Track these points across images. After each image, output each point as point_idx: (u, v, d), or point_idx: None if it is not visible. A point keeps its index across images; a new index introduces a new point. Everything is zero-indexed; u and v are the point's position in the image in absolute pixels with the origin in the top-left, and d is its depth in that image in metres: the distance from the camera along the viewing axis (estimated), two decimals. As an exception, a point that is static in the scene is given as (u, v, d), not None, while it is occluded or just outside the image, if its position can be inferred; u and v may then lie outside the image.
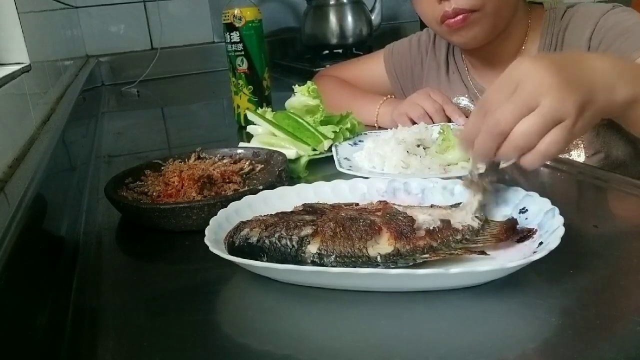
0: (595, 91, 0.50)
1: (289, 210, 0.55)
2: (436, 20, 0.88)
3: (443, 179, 0.61)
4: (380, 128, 0.97)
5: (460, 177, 0.61)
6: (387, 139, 0.76)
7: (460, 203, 0.57)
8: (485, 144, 0.50)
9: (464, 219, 0.50)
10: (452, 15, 0.85)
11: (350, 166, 0.74)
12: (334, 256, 0.46)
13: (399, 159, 0.72)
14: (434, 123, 0.87)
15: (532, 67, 0.49)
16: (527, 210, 0.53)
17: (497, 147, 0.50)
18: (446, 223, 0.49)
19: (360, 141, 0.86)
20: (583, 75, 0.51)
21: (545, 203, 0.52)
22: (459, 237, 0.49)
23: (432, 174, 0.68)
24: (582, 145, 0.89)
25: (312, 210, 0.54)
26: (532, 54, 0.92)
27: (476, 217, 0.50)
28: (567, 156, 0.89)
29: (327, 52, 1.88)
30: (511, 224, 0.50)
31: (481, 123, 0.50)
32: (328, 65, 1.42)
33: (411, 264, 0.46)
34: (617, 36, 0.81)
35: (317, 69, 1.49)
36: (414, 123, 0.89)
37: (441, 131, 0.75)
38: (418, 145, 0.75)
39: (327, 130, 0.85)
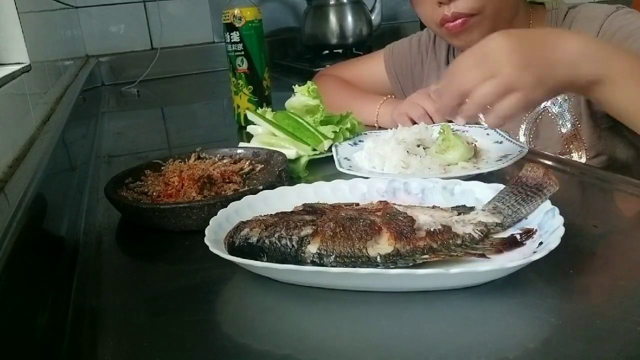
0: (555, 67, 0.57)
1: (289, 210, 0.55)
2: (436, 23, 0.88)
3: (443, 179, 0.61)
4: (380, 128, 0.97)
5: (459, 177, 0.61)
6: (387, 139, 0.76)
7: (462, 205, 0.57)
8: (451, 101, 0.59)
9: (465, 229, 0.50)
10: (451, 19, 0.85)
11: (350, 166, 0.74)
12: (333, 256, 0.46)
13: (399, 159, 0.72)
14: (434, 123, 0.87)
15: (501, 41, 0.56)
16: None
17: (459, 105, 0.58)
18: (447, 228, 0.49)
19: (360, 141, 0.86)
20: (546, 52, 0.57)
21: (545, 203, 0.52)
22: (459, 241, 0.49)
23: (432, 174, 0.68)
24: (584, 147, 0.89)
25: (312, 210, 0.54)
26: None
27: (477, 230, 0.50)
28: (568, 157, 0.89)
29: (327, 52, 1.88)
30: (513, 239, 0.50)
31: (457, 99, 0.58)
32: (328, 65, 1.42)
33: (411, 264, 0.46)
34: (623, 40, 0.81)
35: (317, 69, 1.49)
36: (414, 123, 0.89)
37: (441, 131, 0.75)
38: (418, 146, 0.75)
39: (327, 130, 0.85)
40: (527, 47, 0.57)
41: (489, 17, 0.85)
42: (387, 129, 0.89)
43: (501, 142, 0.78)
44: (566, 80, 0.59)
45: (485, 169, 0.68)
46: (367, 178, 0.65)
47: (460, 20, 0.84)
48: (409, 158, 0.72)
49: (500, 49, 0.57)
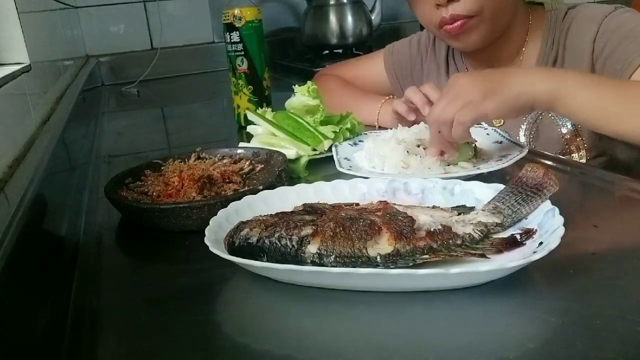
0: (512, 85, 0.66)
1: (289, 210, 0.55)
2: (434, 25, 0.88)
3: (443, 179, 0.61)
4: (380, 128, 0.97)
5: (459, 177, 0.61)
6: (387, 139, 0.76)
7: (462, 205, 0.57)
8: (433, 131, 0.69)
9: (465, 229, 0.50)
10: (449, 21, 0.85)
11: (350, 166, 0.74)
12: (333, 256, 0.46)
13: (399, 159, 0.72)
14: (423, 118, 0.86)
15: (463, 78, 0.69)
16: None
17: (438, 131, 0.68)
18: (447, 228, 0.49)
19: (360, 141, 0.85)
20: (497, 77, 0.68)
21: (545, 203, 0.52)
22: (459, 241, 0.49)
23: (432, 174, 0.68)
24: (584, 147, 0.89)
25: (312, 210, 0.54)
26: (533, 55, 0.92)
27: (477, 230, 0.50)
28: (569, 157, 0.89)
29: (327, 52, 1.88)
30: (513, 239, 0.50)
31: (435, 128, 0.68)
32: (328, 65, 1.42)
33: (411, 264, 0.46)
34: (622, 39, 0.81)
35: (317, 69, 1.49)
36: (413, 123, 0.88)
37: None
38: (418, 146, 0.75)
39: (327, 130, 0.85)
40: (479, 75, 0.69)
41: (488, 19, 0.85)
42: (387, 129, 0.89)
43: (501, 142, 0.78)
44: (523, 93, 0.67)
45: (485, 169, 0.68)
46: (367, 178, 0.65)
47: (459, 23, 0.85)
48: (409, 158, 0.72)
49: (461, 82, 0.68)
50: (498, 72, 0.70)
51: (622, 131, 0.68)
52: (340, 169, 0.73)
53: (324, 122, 0.87)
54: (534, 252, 0.45)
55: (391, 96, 1.02)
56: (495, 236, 0.51)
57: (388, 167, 0.72)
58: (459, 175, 0.67)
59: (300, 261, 0.47)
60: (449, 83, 0.70)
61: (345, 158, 0.78)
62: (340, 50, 1.87)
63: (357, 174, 0.69)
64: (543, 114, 0.91)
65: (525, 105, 0.67)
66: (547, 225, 0.49)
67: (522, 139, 0.93)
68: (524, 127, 0.93)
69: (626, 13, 0.84)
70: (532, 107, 0.68)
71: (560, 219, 0.47)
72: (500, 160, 0.71)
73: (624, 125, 0.67)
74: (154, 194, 0.68)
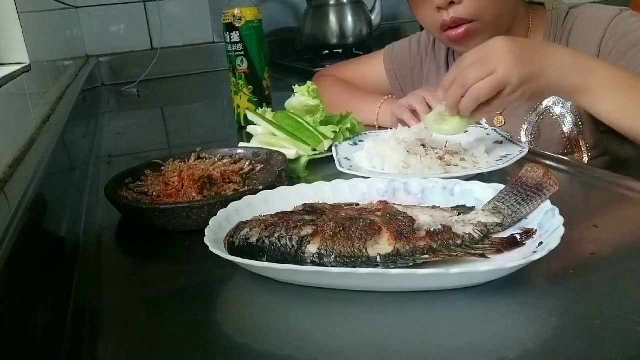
0: (543, 72, 0.66)
1: (289, 210, 0.55)
2: (436, 28, 0.88)
3: (443, 179, 0.61)
4: (380, 128, 0.97)
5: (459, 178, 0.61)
6: (388, 139, 0.76)
7: (462, 205, 0.57)
8: (454, 93, 0.68)
9: (465, 229, 0.50)
10: (451, 24, 0.85)
11: (351, 166, 0.74)
12: (333, 256, 0.46)
13: (399, 159, 0.72)
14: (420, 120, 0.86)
15: (502, 45, 0.66)
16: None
17: (461, 96, 0.67)
18: (447, 228, 0.49)
19: (360, 141, 0.85)
20: (537, 59, 0.66)
21: (545, 203, 0.52)
22: (459, 241, 0.49)
23: (432, 173, 0.68)
24: (586, 147, 0.89)
25: (312, 210, 0.54)
26: None
27: (477, 230, 0.50)
28: (570, 157, 0.89)
29: (327, 52, 1.88)
30: (513, 239, 0.50)
31: (461, 92, 0.67)
32: (328, 65, 1.42)
33: (411, 264, 0.46)
34: (630, 47, 0.80)
35: (317, 69, 1.49)
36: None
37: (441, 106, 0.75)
38: (423, 145, 0.75)
39: (327, 130, 0.85)
40: (523, 50, 0.66)
41: (489, 23, 0.85)
42: (387, 128, 0.89)
43: (501, 142, 0.78)
44: (553, 85, 0.68)
45: (485, 168, 0.68)
46: (367, 178, 0.65)
47: (462, 30, 0.85)
48: (409, 158, 0.72)
49: (499, 50, 0.66)
50: (538, 51, 0.68)
51: None
52: (340, 169, 0.73)
53: (324, 122, 0.87)
54: (534, 252, 0.45)
55: (390, 96, 1.02)
56: (495, 236, 0.51)
57: (388, 167, 0.72)
58: (459, 175, 0.67)
59: (300, 261, 0.47)
60: (488, 48, 0.67)
61: (346, 158, 0.78)
62: (340, 50, 1.87)
63: (357, 174, 0.69)
64: (545, 113, 0.91)
65: (548, 95, 0.70)
66: (547, 225, 0.49)
67: (524, 138, 0.93)
68: (525, 126, 0.93)
69: (632, 18, 0.84)
70: (555, 95, 0.71)
71: (560, 219, 0.47)
72: (501, 160, 0.71)
73: None
74: (154, 194, 0.68)
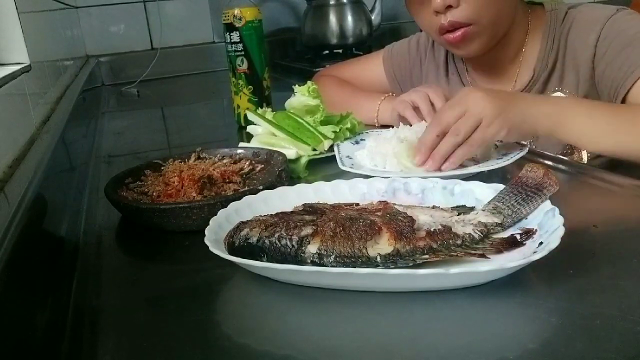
0: (513, 106, 0.69)
1: (289, 210, 0.55)
2: (434, 31, 0.88)
3: (443, 179, 0.61)
4: (381, 126, 0.97)
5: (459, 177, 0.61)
6: (389, 138, 0.77)
7: (462, 205, 0.57)
8: (431, 132, 0.70)
9: (465, 229, 0.50)
10: (449, 27, 0.84)
11: (352, 164, 0.74)
12: (333, 256, 0.46)
13: (400, 158, 0.72)
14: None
15: (475, 93, 0.69)
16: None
17: (453, 149, 0.69)
18: (447, 228, 0.49)
19: (362, 140, 0.86)
20: (507, 97, 0.71)
21: (545, 203, 0.52)
22: (459, 241, 0.49)
23: (434, 172, 0.68)
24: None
25: (312, 210, 0.54)
26: (533, 56, 0.91)
27: (477, 230, 0.50)
28: (569, 157, 0.89)
29: (327, 52, 1.88)
30: (513, 239, 0.50)
31: (436, 131, 0.69)
32: (328, 65, 1.42)
33: (411, 264, 0.46)
34: (624, 46, 0.80)
35: (317, 69, 1.49)
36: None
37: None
38: None
39: (327, 130, 0.85)
40: (495, 93, 0.70)
41: (487, 26, 0.85)
42: (387, 126, 0.89)
43: (501, 141, 0.78)
44: (530, 122, 0.71)
45: (485, 167, 0.69)
46: (369, 177, 0.65)
47: (459, 33, 0.84)
48: (410, 156, 0.72)
49: (472, 97, 0.69)
50: (508, 93, 0.73)
51: (622, 153, 0.73)
52: (342, 167, 0.73)
53: (324, 122, 0.87)
54: (534, 252, 0.45)
55: (391, 94, 1.02)
56: (495, 236, 0.51)
57: (390, 166, 0.72)
58: (460, 174, 0.67)
59: (300, 261, 0.47)
60: (460, 94, 0.71)
61: (347, 156, 0.78)
62: (340, 50, 1.87)
63: (359, 172, 0.69)
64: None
65: (529, 131, 0.72)
66: (547, 225, 0.49)
67: (523, 139, 0.93)
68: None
69: (628, 16, 0.83)
70: (535, 132, 0.72)
71: (560, 219, 0.47)
72: (501, 159, 0.71)
73: (622, 147, 0.72)
74: (154, 194, 0.68)
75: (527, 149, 0.73)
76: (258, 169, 0.76)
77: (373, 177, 0.66)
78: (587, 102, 0.77)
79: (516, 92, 0.76)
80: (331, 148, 0.83)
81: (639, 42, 0.79)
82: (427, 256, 0.46)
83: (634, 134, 0.71)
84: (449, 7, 0.83)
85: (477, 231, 0.50)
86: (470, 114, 0.68)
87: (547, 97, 0.75)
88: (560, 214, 0.48)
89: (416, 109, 0.86)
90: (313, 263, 0.47)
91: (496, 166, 0.68)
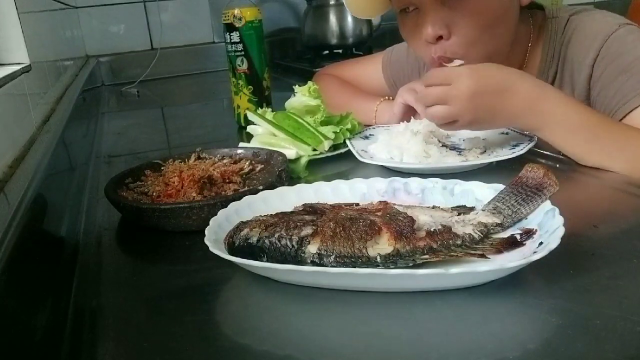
0: (494, 118, 0.71)
1: (289, 210, 0.55)
2: (428, 61, 0.86)
3: (444, 179, 0.61)
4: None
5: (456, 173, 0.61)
6: (402, 131, 0.78)
7: (462, 205, 0.57)
8: (409, 99, 0.82)
9: (465, 229, 0.50)
10: (439, 62, 0.82)
11: (372, 157, 0.75)
12: (333, 256, 0.46)
13: (420, 149, 0.74)
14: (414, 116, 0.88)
15: (466, 85, 0.68)
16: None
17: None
18: (447, 228, 0.49)
19: (370, 135, 0.87)
20: (492, 105, 0.70)
21: (545, 203, 0.52)
22: (459, 242, 0.49)
23: (451, 162, 0.72)
24: None
25: (312, 210, 0.54)
26: (534, 68, 0.89)
27: (477, 230, 0.50)
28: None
29: (327, 52, 1.88)
30: (513, 239, 0.50)
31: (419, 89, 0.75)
32: (327, 65, 1.42)
33: (411, 264, 0.46)
34: (620, 72, 0.77)
35: (317, 69, 1.49)
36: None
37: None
38: (443, 144, 0.78)
39: (328, 130, 0.85)
40: (483, 95, 0.69)
41: (479, 59, 0.79)
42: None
43: (507, 133, 0.80)
44: (505, 125, 0.75)
45: (501, 156, 0.71)
46: (389, 169, 0.68)
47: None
48: (429, 147, 0.74)
49: (461, 92, 0.68)
50: (498, 95, 0.70)
51: (603, 167, 0.71)
52: (362, 159, 0.74)
53: (324, 123, 0.87)
54: (534, 252, 0.45)
55: (388, 97, 1.02)
56: (495, 236, 0.51)
57: (407, 157, 0.73)
58: (474, 164, 0.71)
59: (300, 261, 0.47)
60: (455, 73, 0.70)
61: (363, 150, 0.79)
62: (340, 51, 1.87)
63: (379, 164, 0.72)
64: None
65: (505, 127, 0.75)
66: (547, 225, 0.49)
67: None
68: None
69: (630, 36, 0.79)
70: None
71: (560, 219, 0.47)
72: (513, 149, 0.74)
73: (604, 164, 0.70)
74: (154, 194, 0.68)
75: (537, 138, 0.75)
76: (258, 169, 0.76)
77: (394, 168, 0.73)
78: (575, 114, 0.71)
79: (508, 91, 0.70)
80: (331, 148, 0.83)
81: (635, 70, 0.76)
82: (427, 256, 0.46)
83: (615, 158, 0.70)
84: (440, 38, 0.81)
85: (477, 231, 0.50)
86: (449, 111, 0.69)
87: (539, 104, 0.71)
88: (560, 214, 0.48)
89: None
90: (313, 263, 0.47)
91: (511, 155, 0.71)
